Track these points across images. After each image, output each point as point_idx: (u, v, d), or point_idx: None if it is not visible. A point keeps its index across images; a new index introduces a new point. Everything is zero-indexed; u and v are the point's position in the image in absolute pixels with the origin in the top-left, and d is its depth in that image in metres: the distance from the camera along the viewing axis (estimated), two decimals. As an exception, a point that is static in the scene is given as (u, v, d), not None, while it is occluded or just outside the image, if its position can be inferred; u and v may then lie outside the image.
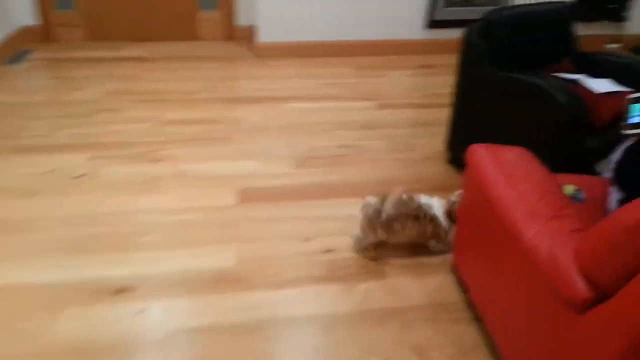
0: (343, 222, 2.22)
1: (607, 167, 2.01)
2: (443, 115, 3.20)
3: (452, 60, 4.43)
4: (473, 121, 2.44)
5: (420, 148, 2.85)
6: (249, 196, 2.39)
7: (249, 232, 2.15)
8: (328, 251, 2.06)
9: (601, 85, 2.25)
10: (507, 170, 1.54)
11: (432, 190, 2.45)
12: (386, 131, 3.02)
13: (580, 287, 1.10)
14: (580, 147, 2.05)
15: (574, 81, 2.29)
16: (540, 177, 1.52)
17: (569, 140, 2.04)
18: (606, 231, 1.03)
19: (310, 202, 2.36)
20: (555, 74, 2.37)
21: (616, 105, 2.16)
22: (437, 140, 2.91)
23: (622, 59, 2.41)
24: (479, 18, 2.40)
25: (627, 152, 1.57)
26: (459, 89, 2.53)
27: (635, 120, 1.71)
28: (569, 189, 1.69)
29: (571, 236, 1.23)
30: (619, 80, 2.33)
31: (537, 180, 1.50)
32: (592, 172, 2.19)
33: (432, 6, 4.05)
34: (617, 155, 1.93)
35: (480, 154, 1.64)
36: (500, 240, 1.46)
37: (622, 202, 1.56)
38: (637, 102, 1.72)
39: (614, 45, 4.32)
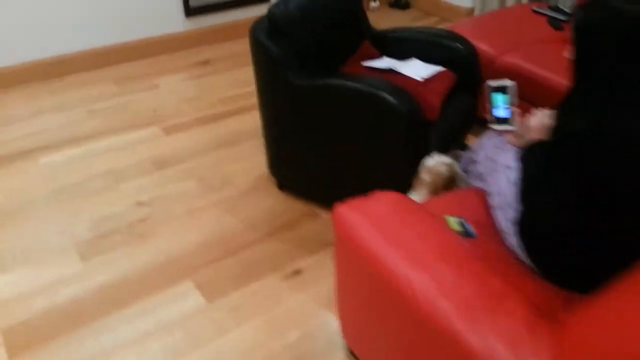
0: (184, 325, 1.61)
1: (465, 167, 1.81)
2: (247, 124, 2.72)
3: (226, 50, 3.93)
4: (294, 137, 2.02)
5: (239, 177, 2.32)
6: (21, 340, 1.57)
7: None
8: (179, 386, 1.45)
9: (417, 70, 2.03)
10: (394, 236, 1.16)
11: (278, 233, 1.99)
12: (189, 165, 2.40)
13: None
14: (426, 149, 1.81)
15: (389, 71, 2.03)
16: (434, 233, 1.18)
17: (413, 147, 1.77)
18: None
19: (123, 313, 1.67)
20: (365, 65, 2.08)
21: (440, 89, 1.97)
22: (255, 161, 2.43)
23: (417, 34, 2.23)
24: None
25: (528, 162, 1.33)
26: (264, 102, 2.05)
27: (500, 113, 1.50)
28: (453, 223, 1.40)
29: (535, 334, 0.91)
30: (421, 57, 2.16)
31: (434, 241, 1.15)
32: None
33: (189, -9, 3.41)
34: (474, 153, 1.73)
35: (352, 220, 1.22)
36: (420, 338, 1.09)
37: (519, 223, 1.33)
38: (497, 92, 1.50)
39: (375, 4, 4.35)
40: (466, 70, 2.13)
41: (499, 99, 1.50)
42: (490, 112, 1.52)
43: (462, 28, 2.64)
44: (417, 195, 1.61)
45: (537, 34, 2.62)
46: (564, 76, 2.21)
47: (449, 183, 1.60)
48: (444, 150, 2.03)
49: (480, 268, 1.09)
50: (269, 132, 2.12)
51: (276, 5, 1.88)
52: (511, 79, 2.40)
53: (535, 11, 2.81)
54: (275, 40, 1.85)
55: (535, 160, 1.30)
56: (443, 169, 1.57)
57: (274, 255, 1.89)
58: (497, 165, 1.49)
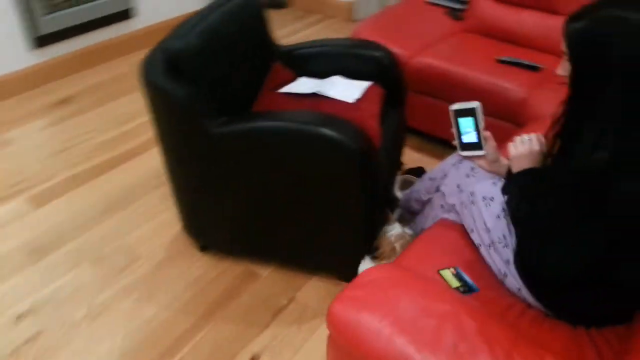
0: None
1: (419, 196, 1.59)
2: (140, 171, 2.24)
3: (90, 81, 3.26)
4: (216, 190, 1.64)
5: (148, 246, 1.87)
6: None
7: None
8: None
9: (344, 89, 1.76)
10: (420, 336, 0.89)
11: (217, 311, 1.60)
12: (75, 244, 1.88)
13: None
14: (376, 182, 1.55)
15: (313, 95, 1.73)
16: (463, 315, 0.93)
17: (365, 184, 1.50)
18: None
19: None
20: (283, 92, 1.76)
21: (375, 110, 1.72)
22: (161, 220, 1.98)
23: (332, 48, 1.95)
24: (156, 49, 1.51)
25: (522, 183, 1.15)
26: (171, 155, 1.64)
27: (467, 139, 1.29)
28: (451, 279, 1.16)
29: None
30: (342, 72, 1.90)
31: (469, 327, 0.90)
32: (391, 200, 1.77)
33: (31, 19, 2.76)
34: (434, 181, 1.51)
35: (361, 324, 0.93)
36: None
37: (520, 253, 1.12)
38: (462, 116, 1.28)
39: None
40: (390, 80, 1.91)
41: (466, 124, 1.29)
42: (458, 139, 1.31)
43: (364, 31, 2.42)
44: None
45: (439, 27, 2.49)
46: (479, 70, 2.08)
47: None
48: (389, 177, 1.81)
49: (527, 348, 0.86)
50: (181, 188, 1.71)
51: (173, 38, 1.47)
52: (425, 79, 2.24)
53: (428, 2, 2.69)
54: (178, 81, 1.45)
55: (531, 192, 1.10)
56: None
57: (220, 344, 1.51)
58: (474, 197, 1.28)
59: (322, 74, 1.91)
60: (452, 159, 1.44)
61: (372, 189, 1.51)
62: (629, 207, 0.90)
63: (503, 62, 2.13)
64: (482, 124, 1.26)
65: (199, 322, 1.58)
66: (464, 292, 1.14)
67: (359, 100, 1.71)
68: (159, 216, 2.00)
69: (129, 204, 2.07)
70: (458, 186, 1.35)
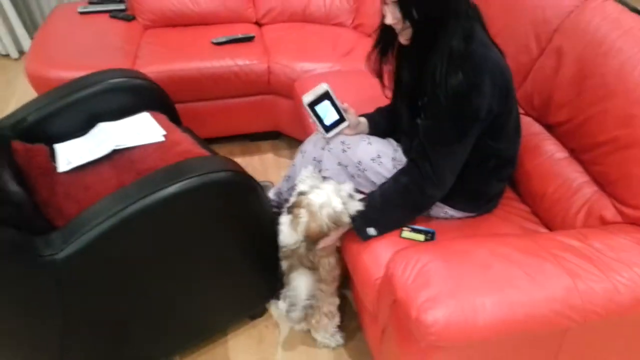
0: None
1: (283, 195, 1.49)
2: None
3: None
4: (70, 321, 1.15)
5: None
6: None
7: None
8: None
9: (139, 131, 1.45)
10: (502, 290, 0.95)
11: None
12: None
13: None
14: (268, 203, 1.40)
15: (113, 155, 1.34)
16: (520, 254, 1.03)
17: (264, 210, 1.34)
18: None
19: None
20: (66, 170, 1.32)
21: (185, 136, 1.50)
22: None
23: (66, 99, 1.48)
24: None
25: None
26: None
27: (330, 120, 1.30)
28: (414, 236, 1.23)
29: None
30: (101, 118, 1.53)
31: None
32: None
33: None
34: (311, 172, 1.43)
35: (457, 316, 0.91)
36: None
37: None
38: (318, 103, 1.27)
39: None
40: (156, 101, 1.65)
41: (324, 108, 1.29)
42: (320, 125, 1.30)
43: (39, 67, 1.91)
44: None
45: (119, 34, 2.17)
46: (209, 59, 1.97)
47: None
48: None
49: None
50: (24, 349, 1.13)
51: None
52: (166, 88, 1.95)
53: (83, 13, 2.31)
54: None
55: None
56: (338, 206, 1.23)
57: None
58: (363, 164, 1.32)
59: (75, 132, 1.49)
60: (314, 147, 1.38)
61: (267, 210, 1.36)
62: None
63: (219, 43, 2.09)
64: (337, 100, 1.29)
65: None
66: (431, 239, 1.23)
67: (165, 134, 1.43)
68: None
69: None
70: (339, 164, 1.33)
